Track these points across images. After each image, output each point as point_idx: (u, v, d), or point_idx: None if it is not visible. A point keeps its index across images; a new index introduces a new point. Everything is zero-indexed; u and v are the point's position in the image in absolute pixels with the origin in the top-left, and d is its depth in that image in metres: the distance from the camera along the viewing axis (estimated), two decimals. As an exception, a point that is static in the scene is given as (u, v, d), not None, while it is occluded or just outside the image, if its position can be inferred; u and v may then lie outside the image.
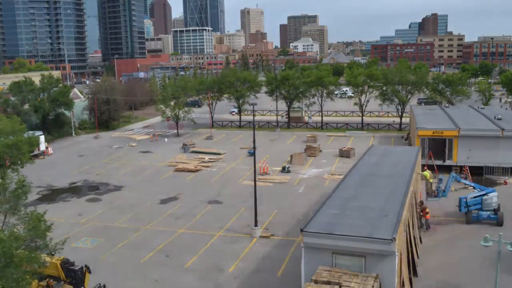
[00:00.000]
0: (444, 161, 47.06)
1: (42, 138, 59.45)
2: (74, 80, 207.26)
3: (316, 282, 19.16)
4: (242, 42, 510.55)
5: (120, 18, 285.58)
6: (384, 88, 73.86)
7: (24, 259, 19.30)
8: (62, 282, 23.27)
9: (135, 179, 48.56)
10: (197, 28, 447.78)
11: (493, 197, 33.38)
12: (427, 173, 34.71)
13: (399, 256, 20.09)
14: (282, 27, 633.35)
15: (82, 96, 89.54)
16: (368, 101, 75.27)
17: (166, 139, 69.77)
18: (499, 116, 51.97)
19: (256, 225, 32.79)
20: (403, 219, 21.99)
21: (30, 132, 47.63)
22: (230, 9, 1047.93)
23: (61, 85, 73.55)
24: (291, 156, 53.73)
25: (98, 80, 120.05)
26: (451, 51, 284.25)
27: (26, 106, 70.29)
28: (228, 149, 61.20)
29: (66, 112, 74.56)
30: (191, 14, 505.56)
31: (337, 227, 21.00)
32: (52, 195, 44.25)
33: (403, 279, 21.29)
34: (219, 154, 58.37)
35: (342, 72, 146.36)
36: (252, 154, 55.95)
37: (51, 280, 23.42)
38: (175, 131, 72.88)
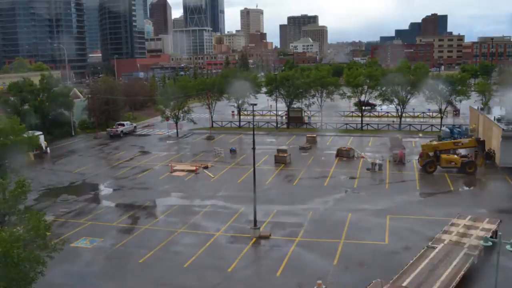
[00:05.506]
0: None
1: (41, 138, 59.44)
2: (74, 80, 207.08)
3: None
4: (242, 42, 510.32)
5: (120, 18, 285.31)
6: (384, 89, 73.87)
7: (25, 259, 19.28)
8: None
9: (134, 179, 48.60)
10: (197, 28, 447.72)
11: None
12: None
13: None
14: (282, 27, 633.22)
15: (82, 96, 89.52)
16: (367, 101, 75.28)
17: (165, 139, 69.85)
18: None
19: (255, 224, 32.79)
20: None
21: (30, 132, 47.51)
22: (230, 9, 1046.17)
23: (61, 84, 73.47)
24: (290, 155, 53.81)
25: (100, 75, 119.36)
26: (451, 51, 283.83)
27: (26, 106, 70.28)
28: (227, 148, 61.16)
29: (66, 112, 74.52)
30: (191, 14, 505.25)
31: None
32: (51, 194, 44.27)
33: None
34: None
35: (342, 72, 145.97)
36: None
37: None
38: (175, 131, 72.90)
